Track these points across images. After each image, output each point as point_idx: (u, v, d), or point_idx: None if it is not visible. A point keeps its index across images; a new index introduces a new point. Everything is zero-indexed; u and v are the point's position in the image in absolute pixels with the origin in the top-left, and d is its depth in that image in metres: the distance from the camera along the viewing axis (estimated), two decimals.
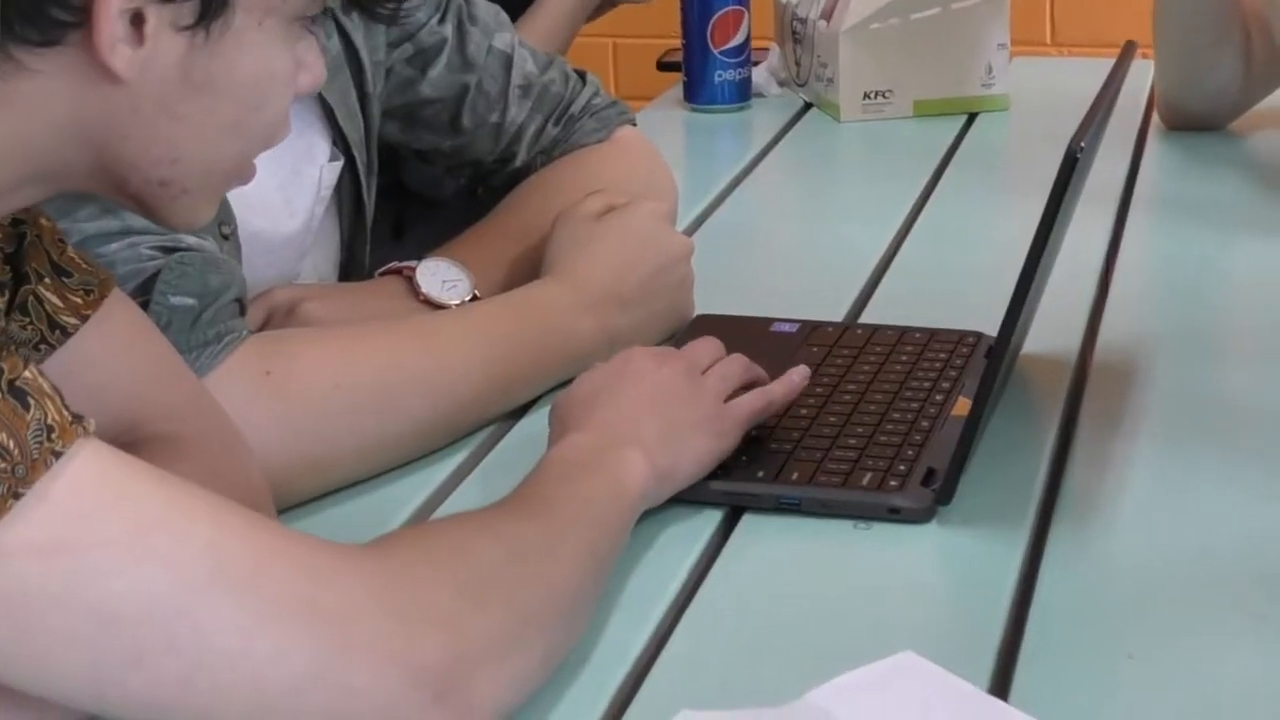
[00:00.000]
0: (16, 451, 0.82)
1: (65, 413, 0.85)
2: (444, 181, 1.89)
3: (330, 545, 0.92)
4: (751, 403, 1.23)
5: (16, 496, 0.82)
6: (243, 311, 1.23)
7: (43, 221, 1.02)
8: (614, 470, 1.11)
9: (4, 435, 0.82)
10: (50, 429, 0.83)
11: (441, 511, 1.21)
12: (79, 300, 1.03)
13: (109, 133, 0.90)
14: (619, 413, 1.17)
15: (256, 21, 0.92)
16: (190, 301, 1.18)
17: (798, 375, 1.27)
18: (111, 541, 0.84)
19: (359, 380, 1.24)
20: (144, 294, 1.17)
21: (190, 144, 0.92)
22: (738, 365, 1.26)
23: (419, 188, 1.87)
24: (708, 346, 1.27)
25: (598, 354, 1.36)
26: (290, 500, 1.19)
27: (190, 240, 1.20)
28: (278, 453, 1.18)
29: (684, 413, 1.19)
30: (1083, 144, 1.05)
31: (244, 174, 0.98)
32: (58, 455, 0.83)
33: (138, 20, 0.87)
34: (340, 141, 1.49)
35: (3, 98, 0.87)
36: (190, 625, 0.85)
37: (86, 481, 0.84)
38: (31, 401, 0.83)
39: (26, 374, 0.84)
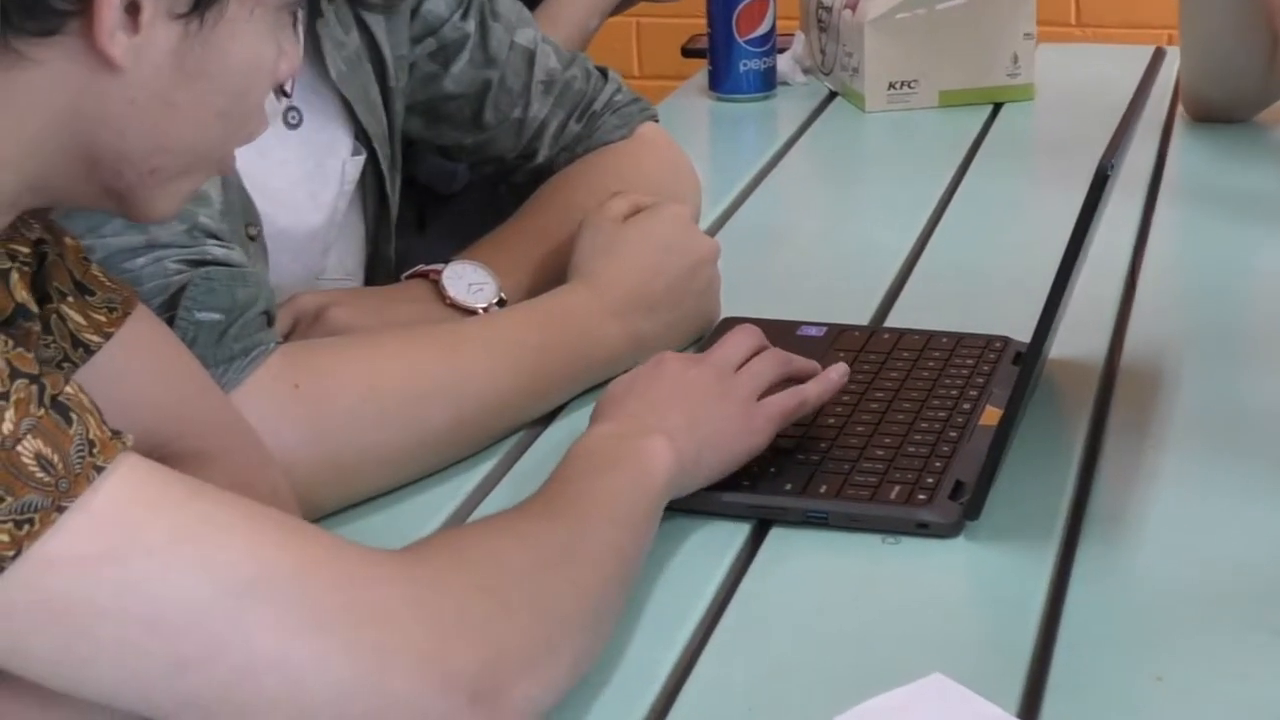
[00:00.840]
0: (60, 465, 0.83)
1: (105, 428, 0.86)
2: (456, 175, 1.89)
3: (367, 551, 0.93)
4: (783, 402, 1.23)
5: (60, 510, 0.83)
6: (270, 323, 1.23)
7: (66, 240, 1.03)
8: (637, 460, 1.11)
9: (49, 449, 0.83)
10: (92, 444, 0.84)
11: (472, 520, 1.21)
12: (102, 318, 1.03)
13: (104, 123, 0.91)
14: (645, 404, 1.17)
15: (248, 10, 0.93)
16: (216, 317, 1.18)
17: (835, 374, 1.27)
18: (154, 550, 0.85)
19: (387, 391, 1.24)
20: (170, 309, 1.17)
21: (182, 131, 0.94)
22: (771, 363, 1.26)
23: (429, 181, 1.86)
24: (742, 340, 1.27)
25: (624, 359, 1.36)
26: (318, 512, 1.19)
27: (217, 253, 1.20)
28: (306, 465, 1.18)
29: (712, 408, 1.19)
30: (1112, 162, 1.04)
31: (225, 165, 1.01)
32: (99, 470, 0.84)
33: (133, 9, 0.89)
34: (362, 136, 1.48)
35: (3, 89, 0.88)
36: (234, 631, 0.86)
37: (127, 493, 0.85)
38: (74, 416, 0.84)
39: (68, 389, 0.85)
